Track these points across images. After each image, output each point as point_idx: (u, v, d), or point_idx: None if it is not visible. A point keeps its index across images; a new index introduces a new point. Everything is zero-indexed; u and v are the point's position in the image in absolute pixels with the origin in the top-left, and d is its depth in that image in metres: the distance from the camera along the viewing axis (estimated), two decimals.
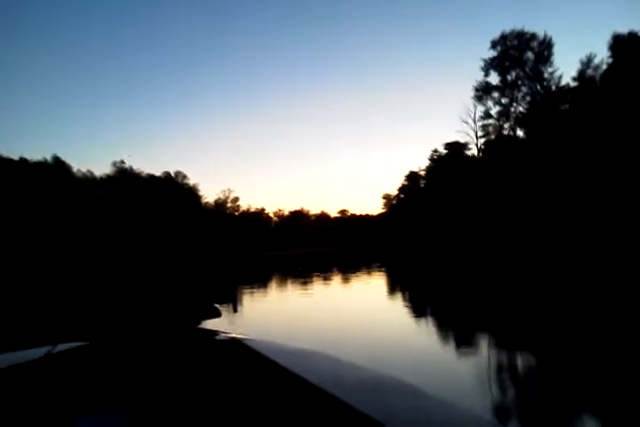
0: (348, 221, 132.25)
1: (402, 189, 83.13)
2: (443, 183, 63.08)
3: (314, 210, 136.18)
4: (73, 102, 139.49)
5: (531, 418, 4.60)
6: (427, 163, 73.36)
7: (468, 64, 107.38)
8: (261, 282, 26.02)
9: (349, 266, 36.61)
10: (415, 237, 77.78)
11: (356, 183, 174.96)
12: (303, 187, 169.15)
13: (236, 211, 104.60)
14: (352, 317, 11.48)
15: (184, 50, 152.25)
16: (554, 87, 43.49)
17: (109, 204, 61.46)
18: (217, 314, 2.25)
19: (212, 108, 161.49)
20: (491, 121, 50.18)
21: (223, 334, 2.32)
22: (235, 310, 2.42)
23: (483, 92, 48.61)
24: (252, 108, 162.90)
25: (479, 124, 51.35)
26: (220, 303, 2.29)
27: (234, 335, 2.31)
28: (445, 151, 65.66)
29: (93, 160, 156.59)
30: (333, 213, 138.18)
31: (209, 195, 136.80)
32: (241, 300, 14.81)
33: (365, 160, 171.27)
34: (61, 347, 1.98)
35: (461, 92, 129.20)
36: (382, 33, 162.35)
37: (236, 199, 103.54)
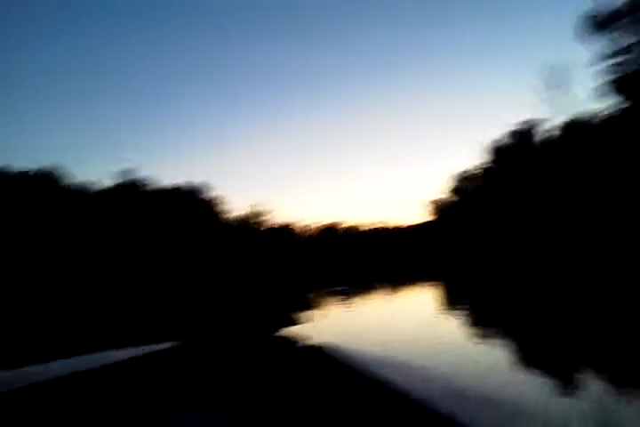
0: (386, 233, 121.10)
1: (454, 191, 70.98)
2: (509, 176, 51.49)
3: (348, 222, 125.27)
4: (78, 108, 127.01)
5: None
6: (476, 161, 62.23)
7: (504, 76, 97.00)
8: (317, 296, 23.71)
9: (401, 281, 32.14)
10: (475, 243, 66.05)
11: (391, 194, 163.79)
12: (336, 199, 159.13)
13: (267, 225, 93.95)
14: (426, 330, 10.11)
15: (212, 53, 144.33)
16: None
17: (110, 217, 51.73)
18: (295, 323, 3.08)
19: (242, 119, 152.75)
20: (623, 57, 33.61)
21: (302, 342, 2.65)
22: (312, 320, 3.03)
23: (597, 24, 33.80)
24: (283, 120, 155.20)
25: (608, 62, 34.14)
26: (301, 311, 3.22)
27: (313, 343, 2.65)
28: (509, 141, 53.72)
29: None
30: (369, 226, 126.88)
31: (236, 207, 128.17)
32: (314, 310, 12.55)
33: (398, 171, 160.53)
34: (158, 346, 2.50)
35: (493, 103, 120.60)
36: (406, 44, 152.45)
37: (267, 213, 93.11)
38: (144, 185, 61.04)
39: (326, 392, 2.01)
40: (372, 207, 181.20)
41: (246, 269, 66.15)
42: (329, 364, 2.23)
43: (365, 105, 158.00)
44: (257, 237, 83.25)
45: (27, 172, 55.74)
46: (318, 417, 1.86)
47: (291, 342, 2.83)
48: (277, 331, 3.37)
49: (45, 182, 55.11)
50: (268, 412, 1.94)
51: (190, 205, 62.44)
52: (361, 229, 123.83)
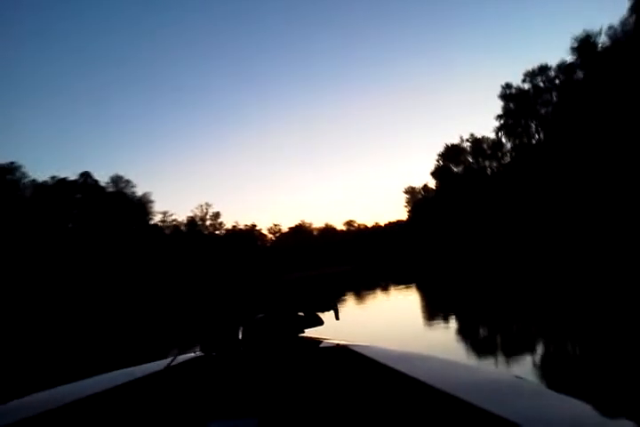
0: (359, 234, 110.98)
1: (437, 174, 60.73)
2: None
3: (316, 224, 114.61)
4: None
5: None
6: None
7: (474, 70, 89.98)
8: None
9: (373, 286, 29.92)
10: (465, 237, 56.14)
11: (360, 192, 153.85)
12: (302, 201, 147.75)
13: (218, 229, 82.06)
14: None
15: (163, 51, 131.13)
16: None
17: None
18: (319, 322, 2.30)
19: (190, 114, 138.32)
20: None
21: (328, 341, 2.32)
22: (337, 318, 2.36)
23: None
24: (240, 117, 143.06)
25: None
26: (322, 311, 2.32)
27: (339, 342, 2.29)
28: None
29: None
30: (339, 226, 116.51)
31: (181, 213, 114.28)
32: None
33: (366, 168, 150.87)
34: (180, 358, 2.10)
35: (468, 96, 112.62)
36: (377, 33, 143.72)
37: (217, 215, 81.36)
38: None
39: (358, 390, 1.86)
40: (344, 208, 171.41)
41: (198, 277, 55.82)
42: (357, 361, 1.85)
43: (336, 100, 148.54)
44: (210, 242, 71.60)
45: None
46: (353, 416, 1.79)
47: (315, 342, 2.25)
48: (302, 331, 2.24)
49: None
50: (301, 413, 1.90)
51: (107, 203, 50.19)
52: (332, 229, 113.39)
